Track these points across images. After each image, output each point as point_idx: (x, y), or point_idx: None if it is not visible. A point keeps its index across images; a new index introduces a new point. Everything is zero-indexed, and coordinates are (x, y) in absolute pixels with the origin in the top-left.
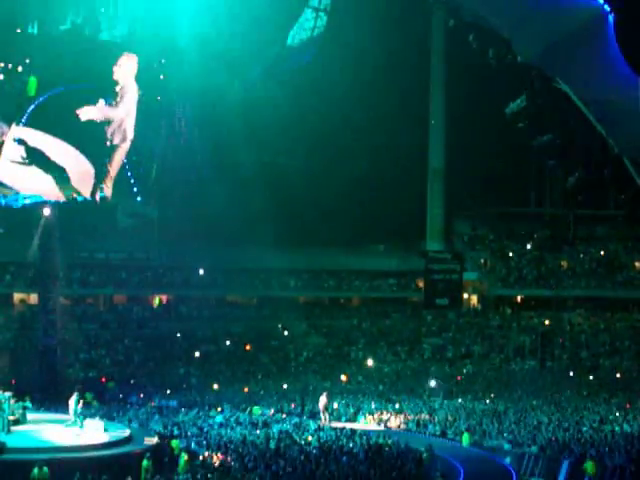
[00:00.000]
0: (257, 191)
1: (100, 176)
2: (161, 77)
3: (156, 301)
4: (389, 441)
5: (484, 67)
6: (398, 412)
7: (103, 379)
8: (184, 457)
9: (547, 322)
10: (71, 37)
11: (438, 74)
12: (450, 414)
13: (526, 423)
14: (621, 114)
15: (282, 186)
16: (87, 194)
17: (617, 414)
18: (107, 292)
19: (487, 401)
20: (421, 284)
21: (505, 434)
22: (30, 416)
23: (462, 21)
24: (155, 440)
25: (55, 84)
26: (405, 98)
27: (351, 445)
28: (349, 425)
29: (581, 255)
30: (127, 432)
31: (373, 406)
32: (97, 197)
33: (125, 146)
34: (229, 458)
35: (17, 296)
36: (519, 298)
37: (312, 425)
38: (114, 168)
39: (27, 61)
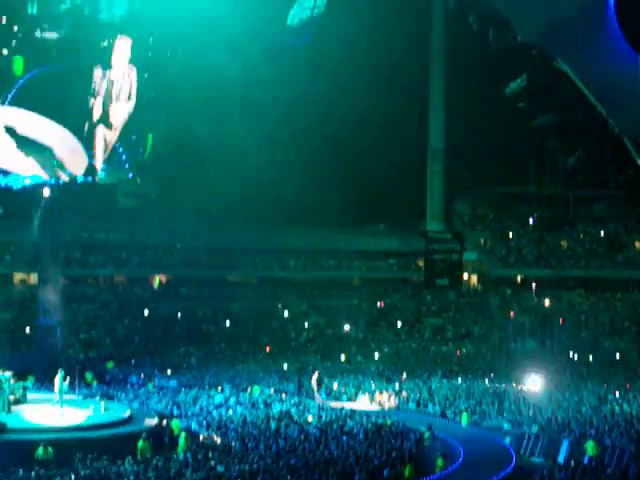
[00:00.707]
0: (256, 171)
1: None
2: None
3: (156, 281)
4: (389, 421)
5: (484, 47)
6: (396, 392)
7: (102, 359)
8: (184, 437)
9: (547, 302)
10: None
11: (438, 54)
12: (450, 394)
13: (526, 403)
14: (621, 94)
15: (281, 166)
16: (79, 172)
17: (617, 394)
18: (107, 272)
19: (487, 381)
20: (421, 264)
21: (505, 414)
22: (30, 396)
23: (462, 1)
24: (155, 421)
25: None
26: (405, 78)
27: (351, 425)
28: (344, 404)
29: (581, 235)
30: (127, 412)
31: (373, 387)
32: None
33: (117, 124)
34: (229, 438)
35: (17, 276)
36: (519, 278)
37: (312, 405)
38: (102, 145)
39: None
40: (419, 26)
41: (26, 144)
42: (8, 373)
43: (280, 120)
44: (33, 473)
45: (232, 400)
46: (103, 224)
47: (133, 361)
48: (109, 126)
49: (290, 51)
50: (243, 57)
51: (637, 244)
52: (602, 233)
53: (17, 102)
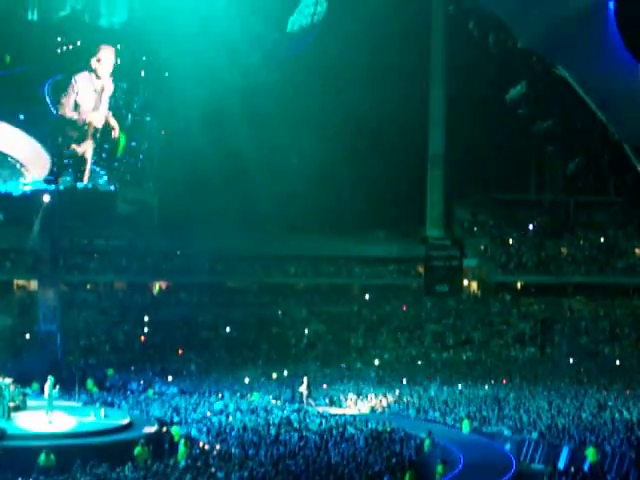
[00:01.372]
0: (256, 177)
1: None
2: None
3: (156, 288)
4: (389, 427)
5: (484, 53)
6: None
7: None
8: (184, 444)
9: (547, 308)
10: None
11: (438, 60)
12: (450, 400)
13: (526, 409)
14: (621, 101)
15: (281, 173)
16: (40, 177)
17: (617, 401)
18: (107, 279)
19: (487, 388)
20: (421, 270)
21: (505, 420)
22: (30, 402)
23: (462, 7)
24: (155, 427)
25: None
26: (405, 84)
27: (351, 431)
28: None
29: (581, 241)
30: (127, 419)
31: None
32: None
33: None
34: (229, 444)
35: (17, 283)
36: (519, 284)
37: (312, 411)
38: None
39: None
40: (419, 32)
41: None
42: (8, 380)
43: (280, 127)
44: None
45: (232, 406)
46: (103, 230)
47: (133, 367)
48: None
49: (290, 58)
50: (243, 64)
51: (637, 251)
52: (602, 239)
53: None
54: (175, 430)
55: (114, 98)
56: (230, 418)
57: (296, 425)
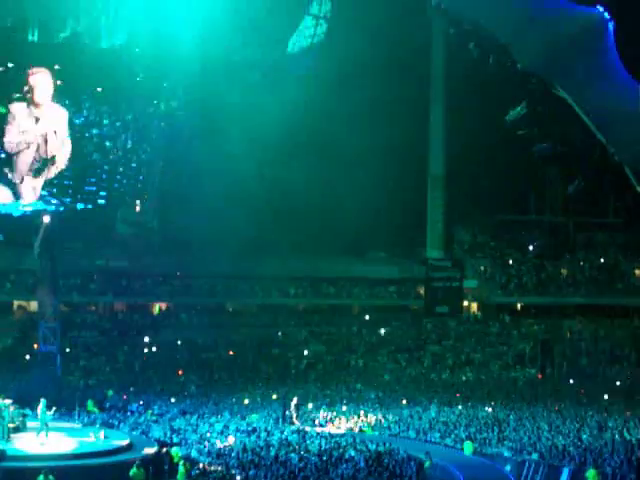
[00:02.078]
0: (257, 198)
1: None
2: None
3: (156, 309)
4: (389, 448)
5: (484, 74)
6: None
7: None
8: (183, 465)
9: (547, 330)
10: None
11: (438, 81)
12: (450, 422)
13: (526, 430)
14: (621, 122)
15: (282, 193)
16: None
17: (617, 422)
18: (107, 300)
19: (487, 408)
20: (421, 292)
21: (505, 441)
22: (30, 424)
23: (462, 29)
24: (155, 448)
25: None
26: (405, 105)
27: (351, 452)
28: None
29: (581, 262)
30: (127, 440)
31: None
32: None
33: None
34: (229, 466)
35: (17, 303)
36: (519, 305)
37: (312, 432)
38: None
39: None
40: (419, 54)
41: None
42: (8, 401)
43: (280, 146)
44: None
45: (232, 427)
46: (103, 251)
47: (133, 388)
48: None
49: (290, 79)
50: (243, 85)
51: (637, 271)
52: (602, 261)
53: None
54: (175, 451)
55: (109, 120)
56: (230, 439)
57: (296, 446)
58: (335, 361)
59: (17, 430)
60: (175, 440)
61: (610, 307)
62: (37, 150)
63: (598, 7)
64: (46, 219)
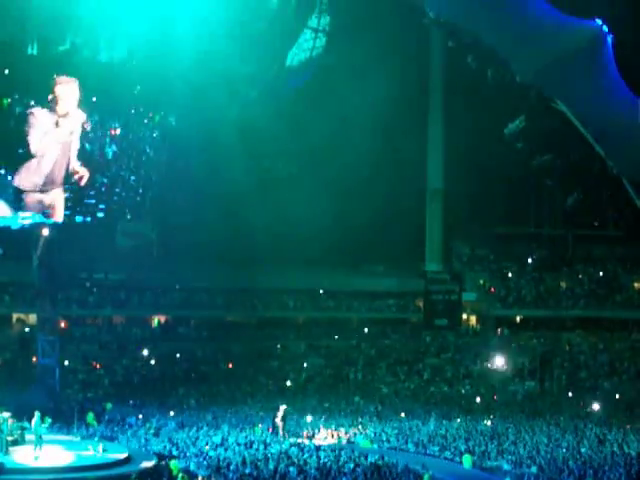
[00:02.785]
0: (255, 211)
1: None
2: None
3: (155, 322)
4: (387, 461)
5: (483, 87)
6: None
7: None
8: (182, 478)
9: (546, 342)
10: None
11: (437, 94)
12: (449, 434)
13: (525, 443)
14: (620, 135)
15: (281, 206)
16: None
17: (617, 435)
18: (106, 313)
19: (486, 422)
20: (420, 305)
21: (504, 454)
22: (29, 436)
23: (461, 42)
24: (153, 462)
25: None
26: (404, 118)
27: (350, 465)
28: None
29: (580, 275)
30: (125, 454)
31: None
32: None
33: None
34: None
35: (16, 316)
36: (518, 318)
37: (311, 445)
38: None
39: None
40: (418, 66)
41: None
42: (6, 414)
43: (278, 161)
44: None
45: (231, 440)
46: (102, 264)
47: (131, 401)
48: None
49: (289, 92)
50: (242, 98)
51: (636, 284)
52: (601, 273)
53: None
54: (174, 464)
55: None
56: (229, 452)
57: (295, 459)
58: (334, 374)
59: (16, 443)
60: (174, 453)
61: (609, 320)
62: (56, 162)
63: (597, 20)
64: (45, 232)
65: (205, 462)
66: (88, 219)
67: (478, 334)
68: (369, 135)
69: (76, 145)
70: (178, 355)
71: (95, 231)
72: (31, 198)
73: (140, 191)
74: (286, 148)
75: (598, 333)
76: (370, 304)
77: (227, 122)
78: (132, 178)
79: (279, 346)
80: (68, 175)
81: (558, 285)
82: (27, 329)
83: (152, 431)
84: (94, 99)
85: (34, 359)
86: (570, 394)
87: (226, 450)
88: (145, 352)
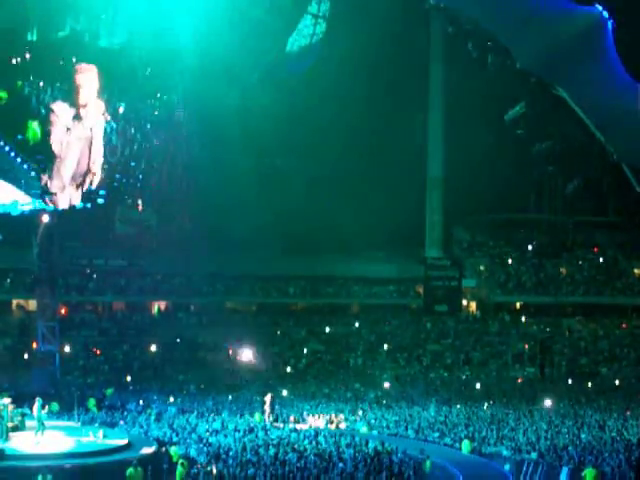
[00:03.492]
0: (256, 198)
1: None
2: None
3: (155, 308)
4: (388, 448)
5: (483, 74)
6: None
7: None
8: (182, 464)
9: (546, 329)
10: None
11: (437, 81)
12: (449, 421)
13: (525, 429)
14: (620, 121)
15: (281, 193)
16: None
17: (616, 421)
18: (106, 299)
19: (486, 408)
20: (420, 291)
21: (504, 441)
22: (29, 423)
23: (461, 28)
24: (153, 448)
25: None
26: (404, 105)
27: (350, 452)
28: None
29: (580, 262)
30: (125, 440)
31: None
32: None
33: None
34: (228, 465)
35: (16, 302)
36: (518, 305)
37: (311, 431)
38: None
39: None
40: (418, 53)
41: None
42: (7, 400)
43: (279, 147)
44: None
45: (231, 426)
46: (102, 251)
47: (132, 387)
48: None
49: (289, 78)
50: (242, 84)
51: (636, 271)
52: (601, 260)
53: None
54: (174, 450)
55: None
56: (229, 438)
57: (295, 445)
58: (334, 360)
59: (16, 429)
60: (174, 439)
61: (609, 306)
62: (80, 156)
63: (597, 6)
64: (45, 218)
65: (205, 448)
66: (88, 205)
67: (478, 320)
68: (368, 122)
69: (99, 141)
70: (178, 341)
71: (95, 217)
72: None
73: (140, 177)
74: (286, 135)
75: (598, 319)
76: (370, 290)
77: (228, 107)
78: (132, 164)
79: (279, 332)
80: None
81: (558, 271)
82: (27, 315)
83: (153, 417)
84: None
85: (34, 345)
86: (570, 380)
87: (226, 436)
88: (145, 338)
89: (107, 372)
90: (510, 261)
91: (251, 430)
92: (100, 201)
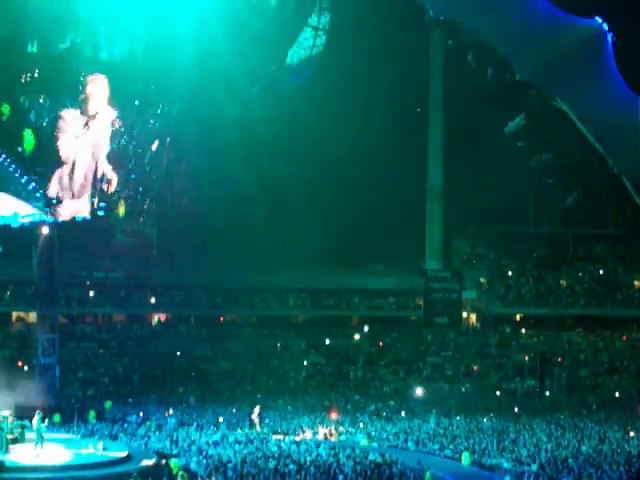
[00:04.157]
0: (255, 210)
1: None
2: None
3: (155, 320)
4: (388, 459)
5: (483, 86)
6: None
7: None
8: (182, 477)
9: (546, 341)
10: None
11: (437, 92)
12: (449, 432)
13: (525, 442)
14: (620, 133)
15: (280, 204)
16: None
17: (617, 433)
18: (106, 311)
19: (486, 420)
20: (420, 303)
21: (504, 452)
22: (29, 435)
23: (461, 40)
24: (153, 460)
25: None
26: (404, 116)
27: (350, 463)
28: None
29: (580, 274)
30: (125, 452)
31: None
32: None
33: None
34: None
35: (16, 315)
36: (518, 317)
37: (311, 443)
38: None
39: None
40: (418, 64)
41: None
42: (7, 412)
43: (278, 159)
44: None
45: (231, 438)
46: (102, 262)
47: (131, 400)
48: None
49: (289, 90)
50: (242, 96)
51: (636, 283)
52: (601, 272)
53: None
54: (174, 462)
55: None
56: (229, 450)
57: (295, 457)
58: (334, 373)
59: (16, 441)
60: (174, 451)
61: (609, 318)
62: (88, 168)
63: (597, 19)
64: (45, 230)
65: (205, 461)
66: (88, 217)
67: (478, 332)
68: (368, 133)
69: (106, 146)
70: (178, 353)
71: (95, 229)
72: (63, 206)
73: (140, 189)
74: (286, 147)
75: (598, 331)
76: (370, 302)
77: (227, 120)
78: (132, 177)
79: (279, 344)
80: (97, 179)
81: (558, 283)
82: (27, 327)
83: (153, 429)
84: None
85: (34, 357)
86: (570, 392)
87: (225, 448)
88: (145, 350)
89: (107, 384)
90: (510, 273)
91: (251, 442)
92: (100, 213)
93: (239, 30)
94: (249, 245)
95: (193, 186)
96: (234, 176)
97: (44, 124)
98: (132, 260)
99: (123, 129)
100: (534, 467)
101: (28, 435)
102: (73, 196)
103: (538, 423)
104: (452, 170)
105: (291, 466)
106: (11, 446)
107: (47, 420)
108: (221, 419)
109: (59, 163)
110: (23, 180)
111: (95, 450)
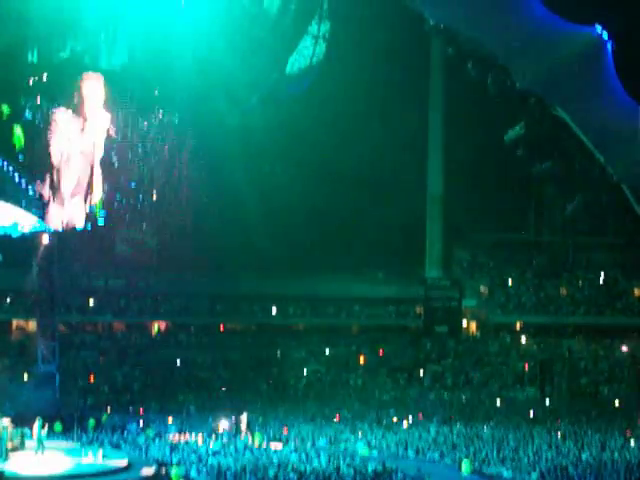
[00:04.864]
0: (255, 218)
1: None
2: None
3: (155, 328)
4: (388, 468)
5: (483, 94)
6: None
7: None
8: None
9: (546, 349)
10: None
11: (437, 101)
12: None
13: (526, 450)
14: (620, 141)
15: (280, 213)
16: None
17: (617, 441)
18: (106, 319)
19: (486, 428)
20: (420, 311)
21: (505, 461)
22: (29, 443)
23: (461, 49)
24: (153, 468)
25: None
26: (404, 124)
27: (350, 472)
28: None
29: (580, 282)
30: (125, 460)
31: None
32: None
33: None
34: None
35: (16, 323)
36: (518, 325)
37: (310, 451)
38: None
39: None
40: (418, 73)
41: None
42: (6, 420)
43: (278, 168)
44: None
45: (231, 447)
46: (102, 271)
47: (131, 408)
48: None
49: (289, 99)
50: (242, 105)
51: (636, 291)
52: (601, 280)
53: None
54: (174, 471)
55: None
56: (229, 458)
57: (295, 465)
58: (334, 381)
59: (16, 450)
60: (174, 460)
61: (609, 326)
62: (80, 173)
63: (597, 27)
64: (45, 239)
65: (205, 469)
66: (88, 226)
67: (478, 340)
68: (369, 141)
69: (100, 152)
70: (178, 362)
71: (95, 238)
72: (53, 210)
73: (140, 198)
74: (285, 154)
75: (598, 340)
76: (370, 311)
77: (227, 128)
78: (132, 186)
79: (279, 353)
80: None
81: (558, 292)
82: (27, 336)
83: (153, 437)
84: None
85: (34, 366)
86: (570, 400)
87: (225, 457)
88: (145, 358)
89: (107, 392)
90: (510, 281)
91: (251, 450)
92: (100, 222)
93: (239, 39)
94: (249, 253)
95: (193, 194)
96: (234, 183)
97: (40, 125)
98: (132, 269)
99: (122, 137)
100: (534, 476)
101: (28, 443)
102: (63, 202)
103: (538, 431)
104: (452, 178)
105: (291, 475)
106: (11, 454)
107: (48, 428)
108: (221, 428)
109: (50, 165)
110: (23, 188)
111: (95, 459)
